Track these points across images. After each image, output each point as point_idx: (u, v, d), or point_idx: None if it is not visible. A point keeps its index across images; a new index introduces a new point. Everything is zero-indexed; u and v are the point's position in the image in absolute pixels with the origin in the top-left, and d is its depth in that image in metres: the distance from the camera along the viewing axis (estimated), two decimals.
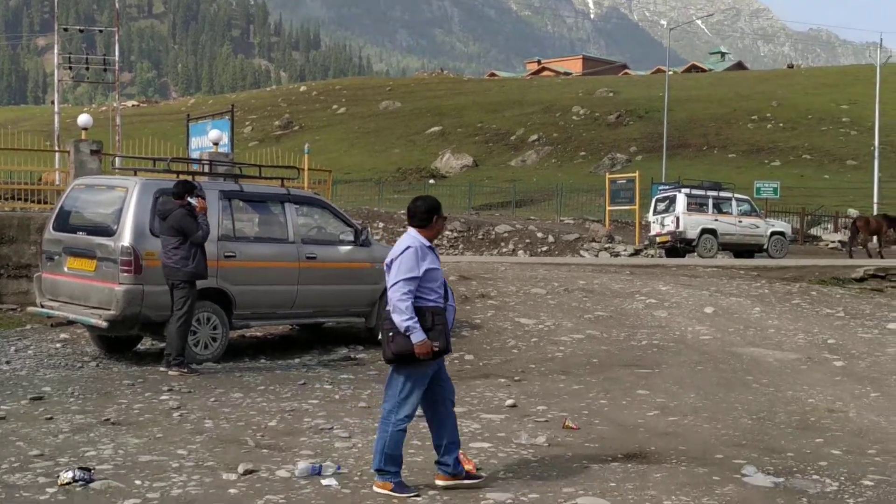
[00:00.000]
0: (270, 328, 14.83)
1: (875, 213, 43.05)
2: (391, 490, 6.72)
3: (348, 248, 13.66)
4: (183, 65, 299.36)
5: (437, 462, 7.03)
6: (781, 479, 7.38)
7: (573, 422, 9.26)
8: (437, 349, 6.71)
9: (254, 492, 6.71)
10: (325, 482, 6.96)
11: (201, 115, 25.21)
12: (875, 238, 34.87)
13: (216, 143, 18.39)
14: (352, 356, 13.28)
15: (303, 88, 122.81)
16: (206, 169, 13.84)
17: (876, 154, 46.42)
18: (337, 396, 10.39)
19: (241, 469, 7.16)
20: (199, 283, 11.65)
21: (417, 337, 6.60)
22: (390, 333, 6.70)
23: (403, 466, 6.97)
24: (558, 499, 6.72)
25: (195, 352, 11.97)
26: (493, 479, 7.22)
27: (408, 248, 6.75)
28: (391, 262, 6.80)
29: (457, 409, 9.61)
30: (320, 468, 7.21)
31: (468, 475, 7.02)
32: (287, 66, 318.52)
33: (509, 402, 10.21)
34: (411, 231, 6.93)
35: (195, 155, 19.79)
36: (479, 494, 6.78)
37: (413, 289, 6.67)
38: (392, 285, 6.71)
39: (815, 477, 7.51)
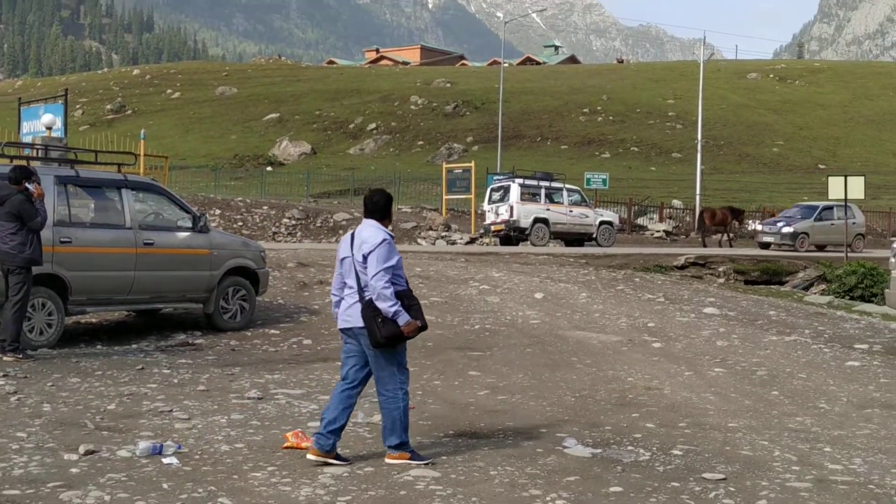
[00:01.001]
0: (106, 314, 14.75)
1: (698, 203, 45.18)
2: (409, 459, 7.30)
3: (186, 234, 13.72)
4: (9, 45, 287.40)
5: (321, 433, 7.35)
6: (599, 450, 7.94)
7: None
8: (419, 326, 7.33)
9: (95, 471, 6.86)
10: (166, 461, 7.15)
11: (33, 99, 24.61)
12: (713, 228, 37.30)
13: (49, 128, 18.06)
14: (190, 342, 13.36)
15: (136, 72, 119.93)
16: (41, 154, 13.68)
17: (699, 147, 48.45)
18: (176, 380, 10.52)
19: (81, 450, 7.29)
20: (35, 269, 11.56)
21: (404, 319, 7.20)
22: (378, 320, 7.20)
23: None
24: (392, 471, 7.09)
25: (30, 338, 11.86)
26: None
27: (384, 240, 7.27)
28: (368, 253, 7.25)
29: (295, 392, 10.00)
30: (161, 447, 7.39)
31: (337, 455, 7.36)
32: (119, 49, 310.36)
33: None
34: (373, 223, 7.44)
35: (27, 139, 19.38)
36: (316, 469, 7.09)
37: (391, 277, 7.23)
38: (374, 275, 7.21)
39: (629, 448, 8.10)
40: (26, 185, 11.37)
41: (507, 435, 8.43)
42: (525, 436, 8.40)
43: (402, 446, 7.38)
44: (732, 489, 6.90)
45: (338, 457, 7.36)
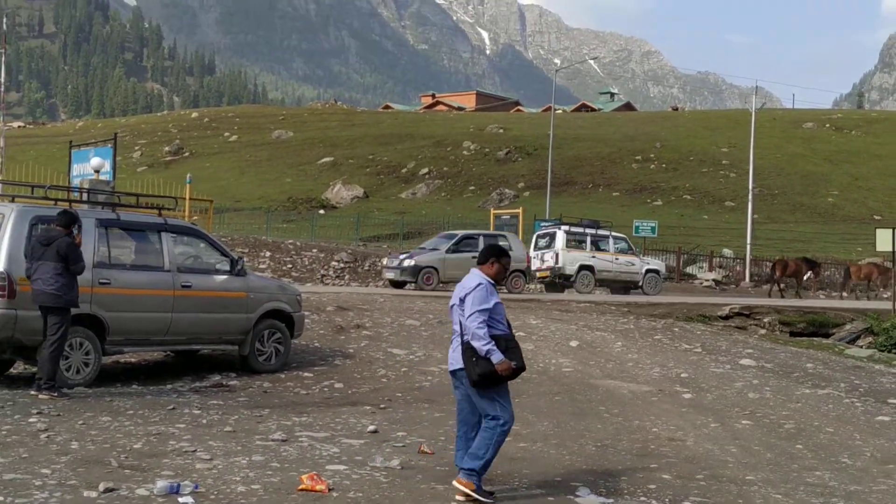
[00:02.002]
0: (145, 354, 15.04)
1: (748, 252, 44.91)
2: (473, 490, 7.64)
3: (224, 277, 14.00)
4: (73, 86, 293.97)
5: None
6: (611, 500, 7.99)
7: (429, 447, 9.77)
8: (515, 367, 7.69)
9: None
10: (181, 500, 7.33)
11: (84, 143, 25.24)
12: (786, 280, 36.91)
13: (97, 171, 18.55)
14: (224, 383, 13.58)
15: (195, 115, 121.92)
16: (84, 197, 14.08)
17: (750, 197, 48.19)
18: (204, 421, 10.72)
19: (101, 487, 7.49)
20: (73, 310, 11.88)
21: (497, 357, 7.59)
22: (473, 358, 7.66)
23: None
24: None
25: (67, 376, 12.17)
26: (343, 497, 7.68)
27: (479, 284, 7.79)
28: (465, 296, 7.78)
29: (319, 435, 10.14)
30: (178, 487, 7.58)
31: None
32: (180, 91, 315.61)
33: (371, 427, 10.67)
34: (476, 270, 8.00)
35: (76, 181, 19.91)
36: None
37: (486, 319, 7.68)
38: (469, 316, 7.71)
39: (642, 498, 8.14)
40: (72, 229, 11.78)
41: (521, 483, 8.51)
42: (539, 484, 8.48)
43: (473, 474, 7.71)
44: None
45: (481, 490, 7.78)
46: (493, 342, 7.62)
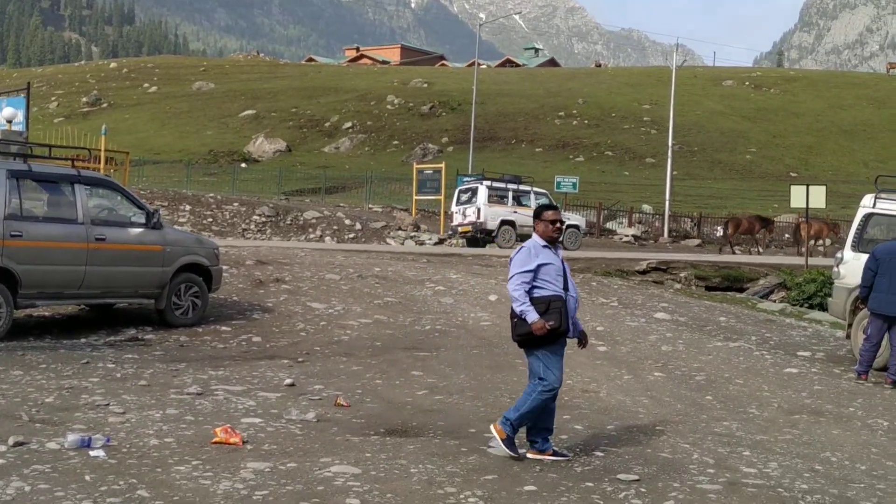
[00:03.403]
0: (59, 308, 14.82)
1: (667, 208, 45.49)
2: (504, 438, 7.86)
3: (139, 230, 13.83)
4: None
5: (529, 439, 8.11)
6: (523, 451, 8.11)
7: (345, 400, 9.82)
8: (551, 326, 7.72)
9: (21, 462, 6.99)
10: (93, 453, 7.29)
11: None
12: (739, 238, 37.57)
13: (9, 121, 18.14)
14: (139, 337, 13.46)
15: (113, 65, 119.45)
16: None
17: (670, 153, 48.71)
18: (118, 375, 10.64)
19: (11, 441, 7.41)
20: None
21: (532, 317, 7.71)
22: (515, 319, 7.89)
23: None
24: (314, 468, 7.25)
25: None
26: (257, 450, 7.69)
27: (522, 247, 8.02)
28: (511, 259, 8.01)
29: (235, 388, 10.13)
30: (90, 440, 7.53)
31: (555, 452, 8.02)
32: (99, 41, 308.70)
33: (288, 381, 10.68)
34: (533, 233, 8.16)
35: None
36: (239, 464, 7.23)
37: (527, 280, 7.79)
38: (509, 278, 7.92)
39: (553, 449, 8.27)
40: None
41: (436, 434, 8.60)
42: (453, 435, 8.57)
43: (508, 424, 7.90)
44: (643, 490, 7.10)
45: (555, 453, 7.98)
46: (528, 303, 7.70)
